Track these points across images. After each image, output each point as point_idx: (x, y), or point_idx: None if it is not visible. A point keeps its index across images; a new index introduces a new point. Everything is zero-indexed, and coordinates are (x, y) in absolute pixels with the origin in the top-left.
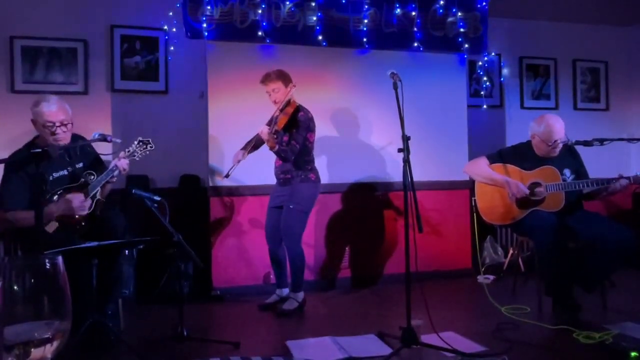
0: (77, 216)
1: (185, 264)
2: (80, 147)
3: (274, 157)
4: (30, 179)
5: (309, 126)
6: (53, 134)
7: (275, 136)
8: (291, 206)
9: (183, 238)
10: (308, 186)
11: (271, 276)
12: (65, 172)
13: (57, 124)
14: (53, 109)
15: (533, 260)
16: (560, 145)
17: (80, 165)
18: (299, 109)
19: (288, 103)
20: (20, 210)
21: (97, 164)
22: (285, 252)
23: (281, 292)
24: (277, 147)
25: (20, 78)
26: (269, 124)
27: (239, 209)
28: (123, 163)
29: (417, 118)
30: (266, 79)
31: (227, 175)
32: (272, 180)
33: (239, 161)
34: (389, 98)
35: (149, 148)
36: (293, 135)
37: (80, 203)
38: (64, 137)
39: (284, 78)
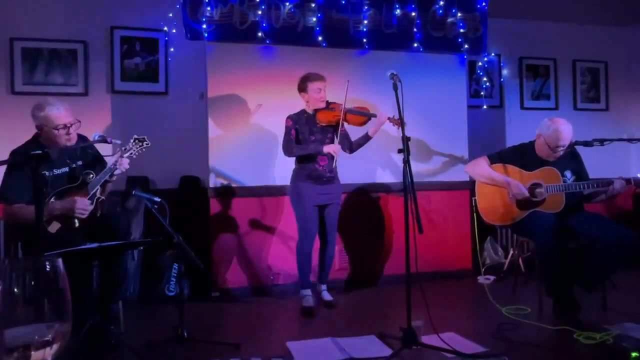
0: (75, 217)
1: (185, 265)
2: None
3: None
4: (31, 178)
5: None
6: (68, 134)
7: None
8: (340, 202)
9: (183, 239)
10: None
11: (308, 275)
12: (66, 169)
13: (69, 125)
14: (62, 112)
15: (533, 260)
16: (562, 151)
17: (80, 163)
18: None
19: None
20: (25, 205)
21: (95, 162)
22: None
23: (321, 287)
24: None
25: (21, 80)
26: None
27: (238, 210)
28: (125, 163)
29: (417, 119)
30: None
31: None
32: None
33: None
34: (389, 99)
35: (144, 145)
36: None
37: (84, 206)
38: (74, 136)
39: None
